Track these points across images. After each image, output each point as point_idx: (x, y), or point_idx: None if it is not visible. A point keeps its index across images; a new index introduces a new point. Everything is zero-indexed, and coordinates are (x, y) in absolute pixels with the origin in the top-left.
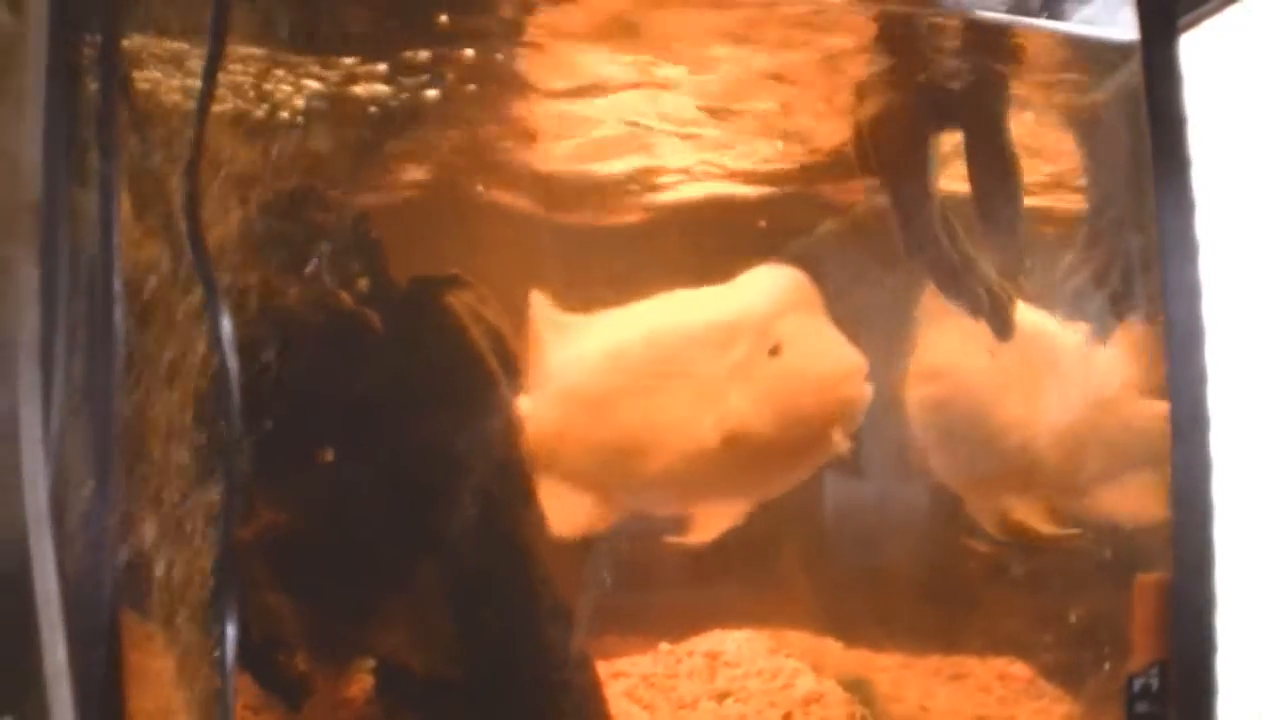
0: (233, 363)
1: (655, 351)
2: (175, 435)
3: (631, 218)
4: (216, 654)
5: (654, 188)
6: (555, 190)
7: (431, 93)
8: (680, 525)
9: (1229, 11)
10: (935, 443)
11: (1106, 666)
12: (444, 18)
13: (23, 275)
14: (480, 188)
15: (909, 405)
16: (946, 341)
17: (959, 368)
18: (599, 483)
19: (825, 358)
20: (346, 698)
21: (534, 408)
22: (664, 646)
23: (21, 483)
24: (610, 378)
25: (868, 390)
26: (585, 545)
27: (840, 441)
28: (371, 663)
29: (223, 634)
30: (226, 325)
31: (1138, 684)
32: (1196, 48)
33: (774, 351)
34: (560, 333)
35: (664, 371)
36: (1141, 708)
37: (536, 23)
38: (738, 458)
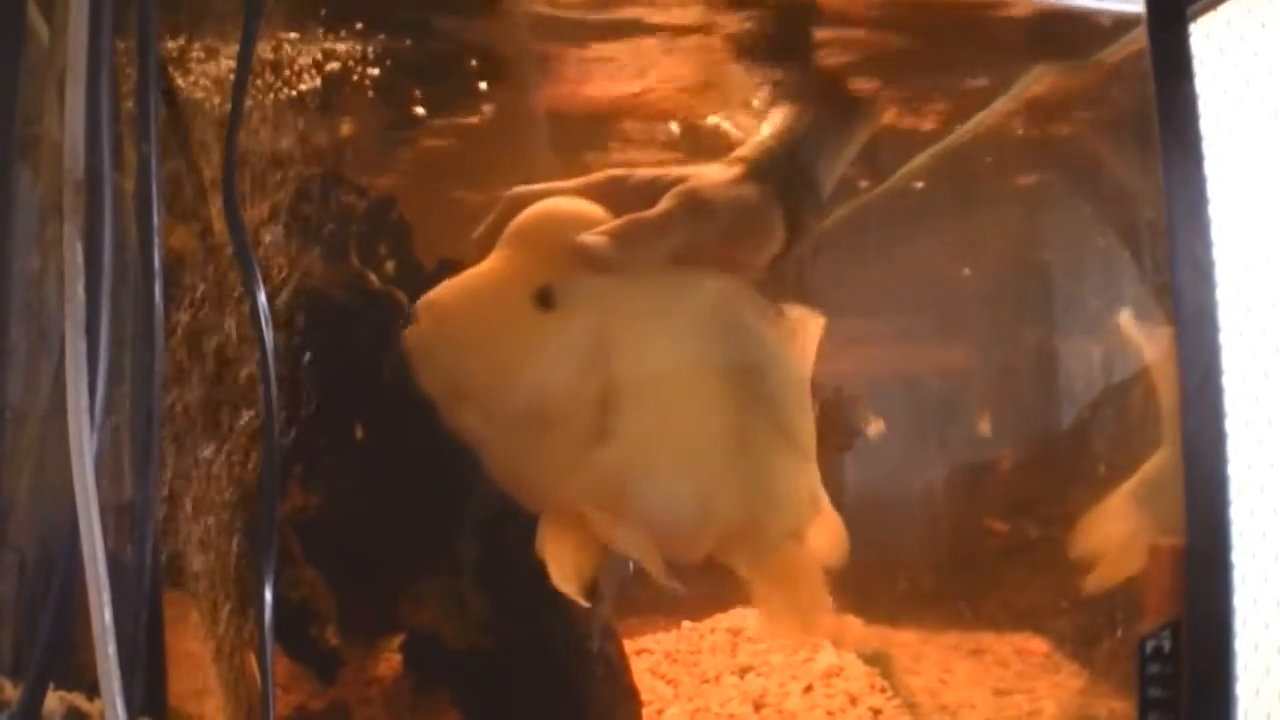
0: (269, 337)
1: None
2: (209, 408)
3: None
4: (251, 629)
5: None
6: None
7: None
8: None
9: None
10: None
11: (1119, 633)
12: None
13: (70, 250)
14: None
15: None
16: None
17: None
18: None
19: None
20: (376, 675)
21: None
22: (686, 624)
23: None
24: None
25: None
26: None
27: None
28: (398, 641)
29: (261, 609)
30: (263, 301)
31: (1149, 646)
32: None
33: None
34: None
35: None
36: (1154, 669)
37: None
38: None
